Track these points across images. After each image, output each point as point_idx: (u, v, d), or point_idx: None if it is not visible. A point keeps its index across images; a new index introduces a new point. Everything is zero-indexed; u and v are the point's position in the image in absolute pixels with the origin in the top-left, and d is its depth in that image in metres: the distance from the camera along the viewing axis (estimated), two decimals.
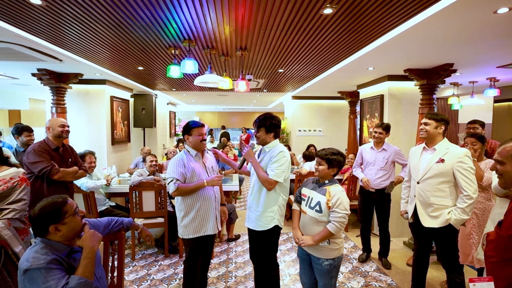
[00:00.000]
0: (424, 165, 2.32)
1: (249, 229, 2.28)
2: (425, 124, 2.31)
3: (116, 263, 1.90)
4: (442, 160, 2.22)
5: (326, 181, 2.01)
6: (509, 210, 1.36)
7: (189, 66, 2.53)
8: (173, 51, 2.79)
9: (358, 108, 6.22)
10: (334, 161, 1.97)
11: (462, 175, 2.13)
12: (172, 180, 2.18)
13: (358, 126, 6.46)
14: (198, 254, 2.35)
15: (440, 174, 2.22)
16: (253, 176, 2.25)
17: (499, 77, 4.21)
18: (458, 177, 2.14)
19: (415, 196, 2.38)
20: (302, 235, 2.03)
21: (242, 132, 12.28)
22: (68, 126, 2.72)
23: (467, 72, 3.88)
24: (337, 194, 1.90)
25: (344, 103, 6.60)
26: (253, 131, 2.35)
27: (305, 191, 2.10)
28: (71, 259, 1.37)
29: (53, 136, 2.61)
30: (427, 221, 2.29)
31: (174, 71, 2.69)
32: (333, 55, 3.24)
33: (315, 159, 2.08)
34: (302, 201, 2.09)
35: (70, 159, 2.74)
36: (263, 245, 2.24)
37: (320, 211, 1.93)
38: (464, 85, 4.83)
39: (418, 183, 2.35)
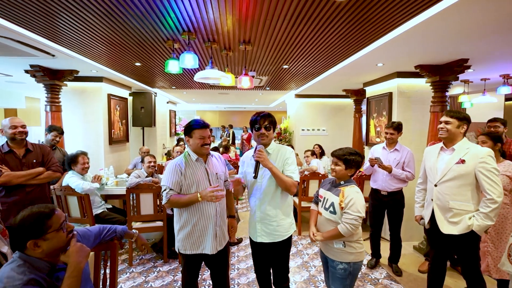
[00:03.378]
0: (442, 167, 2.15)
1: (259, 244, 2.03)
2: (446, 122, 2.13)
3: (108, 275, 1.73)
4: (463, 161, 2.04)
5: (342, 182, 1.93)
6: None
7: (189, 60, 2.34)
8: (171, 45, 2.60)
9: (363, 107, 6.06)
10: (352, 161, 1.88)
11: (485, 177, 1.95)
12: (165, 189, 1.93)
13: (364, 125, 6.31)
14: (196, 272, 2.08)
15: (461, 176, 2.04)
16: (264, 184, 1.97)
17: None
18: (481, 179, 1.97)
19: (432, 200, 2.20)
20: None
21: (244, 132, 12.15)
22: (24, 127, 2.52)
23: (481, 68, 3.69)
24: (351, 194, 1.82)
25: (349, 101, 6.43)
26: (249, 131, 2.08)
27: (321, 191, 2.05)
28: (53, 279, 1.20)
29: (8, 139, 2.47)
30: (446, 228, 2.11)
31: (173, 66, 2.51)
32: (343, 49, 3.05)
33: (332, 159, 1.97)
34: (319, 202, 2.03)
35: (35, 160, 2.57)
36: (281, 255, 2.04)
37: (334, 212, 1.87)
38: (475, 82, 4.64)
39: (435, 185, 2.17)
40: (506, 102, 5.46)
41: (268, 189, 1.97)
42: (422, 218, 2.37)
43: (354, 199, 1.80)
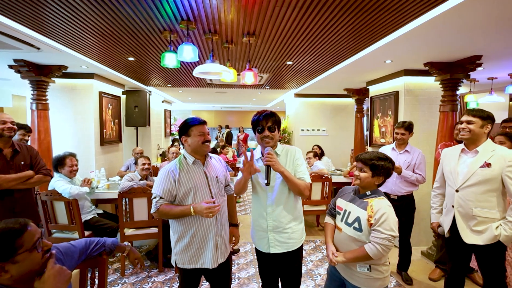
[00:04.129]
0: (464, 170, 1.97)
1: (271, 255, 1.83)
2: (468, 122, 1.95)
3: None
4: (488, 165, 1.87)
5: (368, 192, 1.63)
6: None
7: (188, 52, 2.11)
8: (168, 36, 2.36)
9: (365, 107, 5.90)
10: (381, 168, 1.59)
11: None
12: (155, 197, 1.71)
13: (366, 126, 6.15)
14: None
15: (486, 180, 1.87)
16: (276, 190, 1.78)
17: None
18: (509, 183, 1.81)
19: (453, 206, 2.03)
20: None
21: (240, 132, 11.94)
22: (13, 123, 2.28)
23: (491, 66, 3.56)
24: (382, 208, 1.52)
25: (350, 101, 6.27)
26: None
27: (341, 203, 1.74)
28: None
29: None
30: (470, 237, 1.94)
31: (170, 59, 2.28)
32: (352, 44, 2.85)
33: (355, 163, 1.70)
34: (337, 215, 1.73)
35: (23, 162, 2.33)
36: (295, 265, 1.86)
37: (360, 229, 1.56)
38: (481, 81, 4.52)
39: (457, 191, 2.00)
40: (511, 102, 5.36)
41: (280, 194, 1.78)
42: (440, 226, 2.20)
43: (387, 214, 1.51)
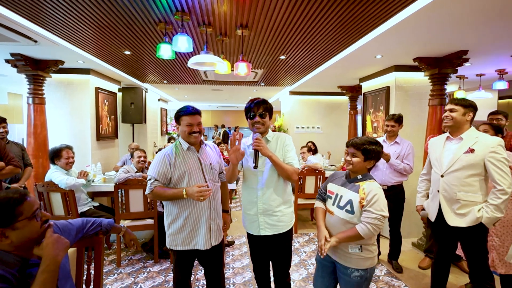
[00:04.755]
0: (449, 156, 2.06)
1: (261, 238, 1.90)
2: (451, 110, 2.04)
3: (93, 274, 1.56)
4: (472, 150, 1.95)
5: (359, 176, 1.67)
6: None
7: (183, 42, 2.18)
8: (163, 28, 2.43)
9: (359, 106, 6.00)
10: (372, 152, 1.62)
11: (496, 167, 1.87)
12: (150, 179, 1.77)
13: (359, 123, 6.25)
14: (189, 270, 1.92)
15: (469, 166, 1.95)
16: (266, 174, 1.85)
17: (509, 68, 4.02)
18: (491, 169, 1.88)
19: (438, 191, 2.11)
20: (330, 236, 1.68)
21: (235, 131, 12.09)
22: None
23: (477, 62, 3.66)
24: (374, 190, 1.57)
25: (344, 99, 6.37)
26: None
27: (332, 187, 1.77)
28: (25, 276, 1.03)
29: None
30: (454, 220, 2.02)
31: (165, 50, 2.34)
32: (342, 36, 2.94)
33: (346, 149, 1.72)
34: (328, 199, 1.77)
35: None
36: (285, 248, 1.91)
37: (352, 211, 1.60)
38: (470, 78, 4.64)
39: (442, 176, 2.08)
40: (500, 101, 5.50)
41: (270, 178, 1.85)
42: (423, 209, 2.28)
43: (378, 196, 1.56)
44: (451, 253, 2.20)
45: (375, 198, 1.55)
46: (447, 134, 2.14)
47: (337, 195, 1.71)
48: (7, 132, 3.05)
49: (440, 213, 2.08)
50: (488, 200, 1.91)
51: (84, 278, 1.55)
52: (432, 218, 2.15)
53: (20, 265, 1.03)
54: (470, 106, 2.01)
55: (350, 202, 1.62)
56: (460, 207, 1.98)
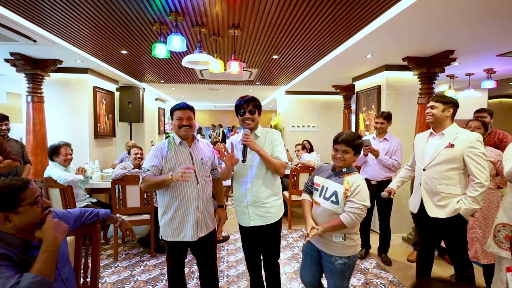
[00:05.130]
0: (431, 151, 2.16)
1: (251, 228, 1.99)
2: (432, 107, 2.15)
3: (90, 261, 1.65)
4: (452, 145, 2.05)
5: (344, 169, 1.76)
6: None
7: (177, 42, 2.27)
8: (158, 28, 2.52)
9: (353, 105, 6.11)
10: (359, 146, 1.74)
11: (474, 161, 1.97)
12: (143, 171, 1.88)
13: (353, 121, 6.35)
14: (181, 260, 2.01)
15: (449, 160, 2.05)
16: (254, 168, 1.94)
17: (497, 68, 4.14)
18: (469, 163, 1.98)
19: (420, 184, 2.21)
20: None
21: (231, 131, 12.26)
22: None
23: (465, 61, 3.77)
24: (357, 182, 1.68)
25: (338, 98, 6.47)
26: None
27: (318, 180, 1.86)
28: (27, 256, 1.12)
29: None
30: (434, 211, 2.12)
31: (160, 50, 2.44)
32: (331, 37, 3.05)
33: (335, 146, 1.78)
34: (315, 191, 1.86)
35: None
36: (273, 238, 2.01)
37: (337, 202, 1.70)
38: (460, 78, 4.75)
39: (424, 170, 2.18)
40: (489, 100, 5.62)
41: (259, 172, 1.94)
42: (390, 192, 2.39)
43: (361, 187, 1.66)
44: (433, 243, 2.30)
45: (358, 189, 1.66)
46: (431, 130, 2.25)
47: (323, 187, 1.81)
48: (8, 130, 3.14)
49: (422, 205, 2.19)
50: (466, 192, 2.01)
51: (82, 266, 1.64)
52: (415, 210, 2.26)
53: (22, 247, 1.12)
54: (450, 103, 2.11)
55: (335, 193, 1.72)
56: (440, 199, 2.08)
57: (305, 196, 1.93)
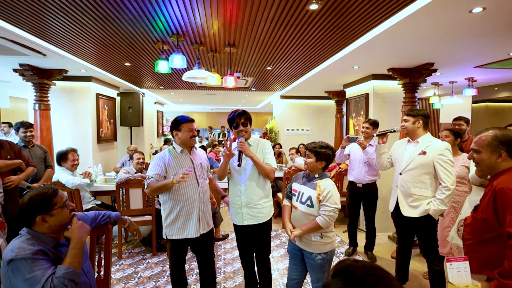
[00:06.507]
0: (407, 157, 2.42)
1: (244, 227, 2.23)
2: (405, 120, 2.42)
3: (103, 257, 1.88)
4: (424, 153, 2.31)
5: (316, 175, 2.00)
6: (484, 195, 1.44)
7: (178, 60, 2.52)
8: (161, 46, 2.77)
9: (344, 109, 6.37)
10: (322, 154, 1.96)
11: (442, 167, 2.22)
12: (147, 178, 2.10)
13: (345, 125, 6.62)
14: (182, 256, 2.25)
15: (422, 165, 2.31)
16: (248, 172, 2.19)
17: (477, 77, 4.41)
18: (438, 169, 2.24)
19: (397, 186, 2.47)
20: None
21: (221, 131, 12.47)
22: None
23: (446, 72, 4.05)
24: (328, 187, 1.91)
25: (331, 102, 6.73)
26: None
27: (295, 186, 2.10)
28: (58, 252, 1.35)
29: None
30: (407, 211, 2.38)
31: (162, 66, 2.68)
32: (320, 52, 3.31)
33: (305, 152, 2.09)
34: (293, 197, 2.09)
35: (8, 157, 2.59)
36: (264, 236, 2.26)
37: (312, 205, 1.93)
38: (444, 85, 5.03)
39: (400, 174, 2.44)
40: (473, 104, 5.91)
41: (252, 176, 2.19)
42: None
43: (332, 192, 1.88)
44: (409, 239, 2.57)
45: (330, 193, 1.90)
46: (408, 138, 2.51)
47: (299, 192, 2.04)
48: (33, 136, 3.26)
49: (397, 205, 2.45)
50: (436, 195, 2.27)
51: (96, 261, 1.88)
52: (391, 208, 2.53)
53: (54, 244, 1.35)
54: (418, 115, 2.38)
55: (309, 197, 1.95)
56: (413, 200, 2.35)
57: (285, 202, 2.18)
